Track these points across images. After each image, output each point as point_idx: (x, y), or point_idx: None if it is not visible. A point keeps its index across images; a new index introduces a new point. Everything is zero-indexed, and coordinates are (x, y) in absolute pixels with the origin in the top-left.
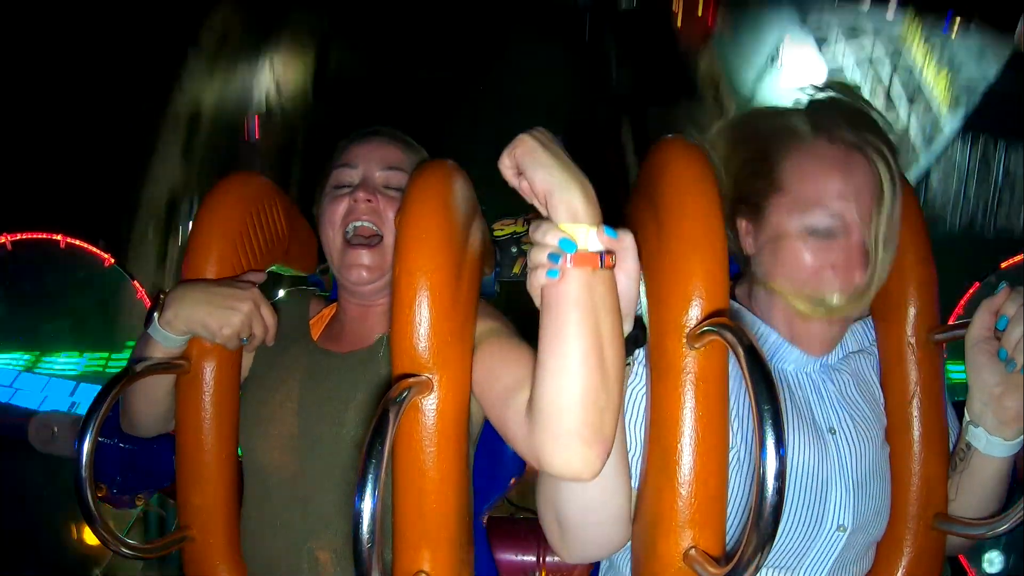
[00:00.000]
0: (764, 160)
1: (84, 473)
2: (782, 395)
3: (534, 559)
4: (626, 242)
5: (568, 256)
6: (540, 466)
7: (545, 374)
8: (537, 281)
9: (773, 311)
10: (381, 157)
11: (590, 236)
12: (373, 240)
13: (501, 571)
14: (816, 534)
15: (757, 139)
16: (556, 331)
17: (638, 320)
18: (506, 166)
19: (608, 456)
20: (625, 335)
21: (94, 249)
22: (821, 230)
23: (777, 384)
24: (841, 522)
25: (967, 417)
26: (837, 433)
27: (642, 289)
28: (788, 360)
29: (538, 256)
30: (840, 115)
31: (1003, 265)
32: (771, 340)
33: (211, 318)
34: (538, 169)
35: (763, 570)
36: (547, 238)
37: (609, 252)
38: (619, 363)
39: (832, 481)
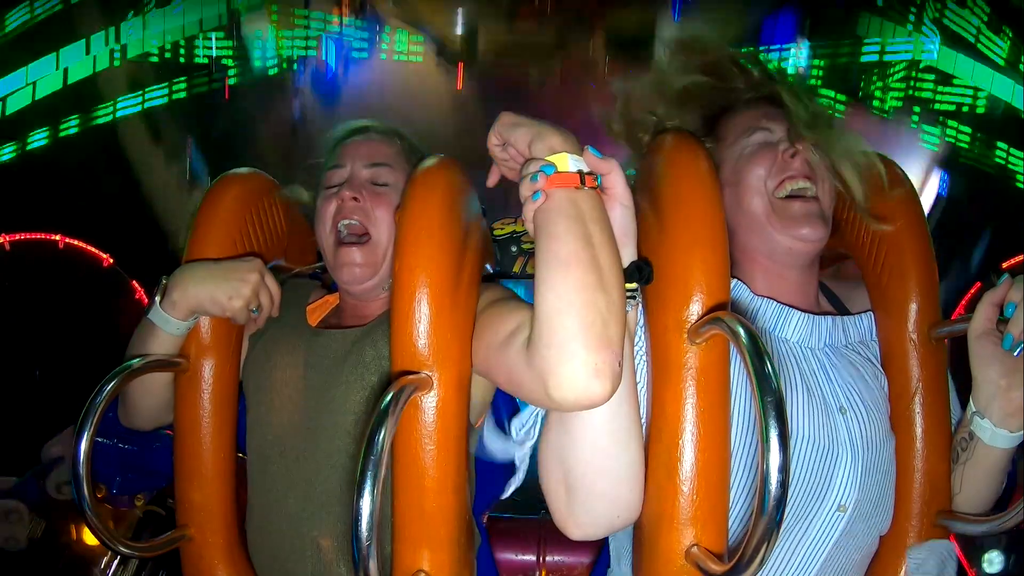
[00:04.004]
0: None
1: (81, 471)
2: (791, 370)
3: (534, 559)
4: (612, 164)
5: (547, 176)
6: (548, 395)
7: (542, 287)
8: (528, 212)
9: (754, 270)
10: (367, 154)
11: (571, 160)
12: (363, 238)
13: (501, 571)
14: (817, 510)
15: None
16: (548, 243)
17: (644, 258)
18: (493, 143)
19: (619, 368)
20: (626, 264)
21: (93, 249)
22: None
23: (779, 371)
24: (843, 501)
25: (972, 407)
26: (848, 412)
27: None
28: (789, 326)
29: (523, 186)
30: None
31: (1004, 265)
32: (769, 312)
33: (220, 291)
34: (519, 128)
35: None
36: (530, 168)
37: (593, 175)
38: (616, 270)
39: (841, 457)
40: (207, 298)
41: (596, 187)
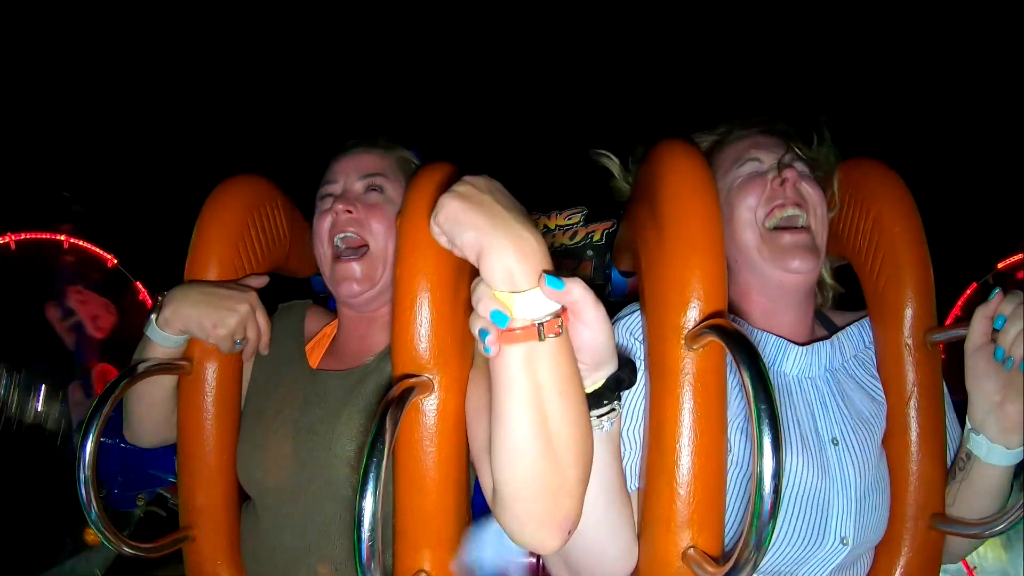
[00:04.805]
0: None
1: (86, 473)
2: (783, 406)
3: (535, 560)
4: (575, 293)
5: (499, 331)
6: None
7: (493, 460)
8: (479, 351)
9: (750, 308)
10: (358, 167)
11: (527, 303)
12: (361, 251)
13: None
14: (818, 547)
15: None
16: (498, 417)
17: (626, 359)
18: (436, 233)
19: (569, 534)
20: (601, 382)
21: (97, 250)
22: (751, 172)
23: (774, 387)
24: (844, 535)
25: (968, 425)
26: (840, 444)
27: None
28: (788, 360)
29: (473, 327)
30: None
31: (1000, 265)
32: (769, 345)
33: (207, 317)
34: (464, 232)
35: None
36: (479, 307)
37: (555, 316)
38: (576, 442)
39: (834, 497)
40: (195, 322)
41: (561, 332)
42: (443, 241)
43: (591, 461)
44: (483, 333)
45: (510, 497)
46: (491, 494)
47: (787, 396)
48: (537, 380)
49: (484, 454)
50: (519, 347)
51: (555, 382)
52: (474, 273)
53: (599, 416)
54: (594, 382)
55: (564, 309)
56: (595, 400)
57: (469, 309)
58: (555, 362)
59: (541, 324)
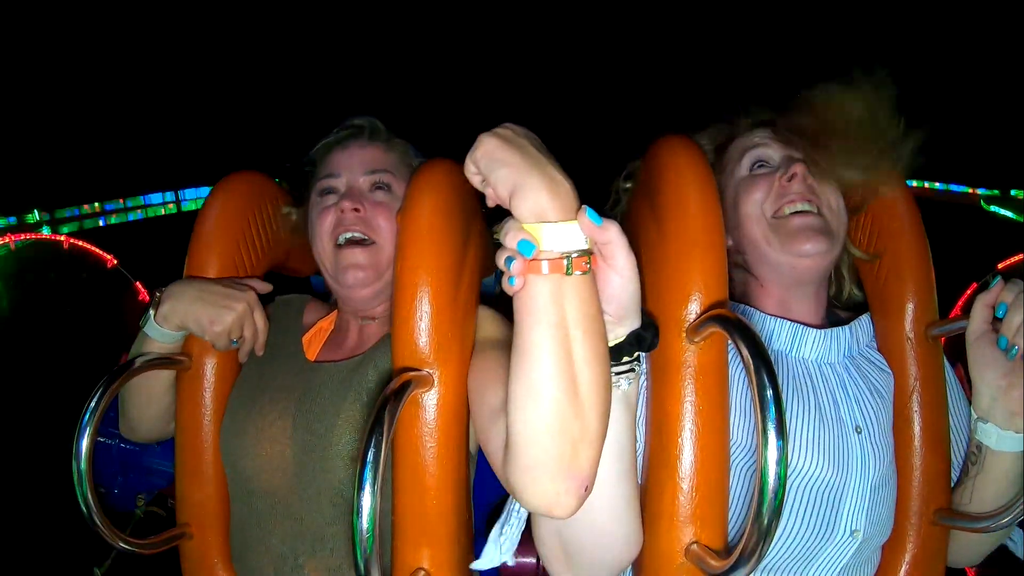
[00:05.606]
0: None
1: (83, 467)
2: (804, 392)
3: (534, 560)
4: (612, 233)
5: (525, 261)
6: (518, 499)
7: (511, 401)
8: (506, 289)
9: (767, 300)
10: (363, 161)
11: (557, 235)
12: (366, 242)
13: (501, 573)
14: (828, 539)
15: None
16: (520, 351)
17: (649, 321)
18: (471, 172)
19: (586, 492)
20: (623, 337)
21: (97, 250)
22: (759, 163)
23: (792, 396)
24: (855, 527)
25: (974, 416)
26: (863, 432)
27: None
28: (807, 345)
29: (499, 259)
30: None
31: (1000, 265)
32: (785, 330)
33: (204, 314)
34: (499, 169)
35: (773, 573)
36: (507, 239)
37: (584, 254)
38: (598, 387)
39: (849, 487)
40: (192, 318)
41: (588, 270)
42: (476, 181)
43: (609, 414)
44: (508, 261)
45: (527, 442)
46: (501, 457)
47: (808, 382)
48: (563, 313)
49: (492, 422)
50: (545, 279)
51: (579, 320)
52: (475, 271)
53: (617, 373)
54: (616, 336)
55: (592, 254)
56: (614, 354)
57: (469, 306)
58: (580, 300)
59: (569, 258)
